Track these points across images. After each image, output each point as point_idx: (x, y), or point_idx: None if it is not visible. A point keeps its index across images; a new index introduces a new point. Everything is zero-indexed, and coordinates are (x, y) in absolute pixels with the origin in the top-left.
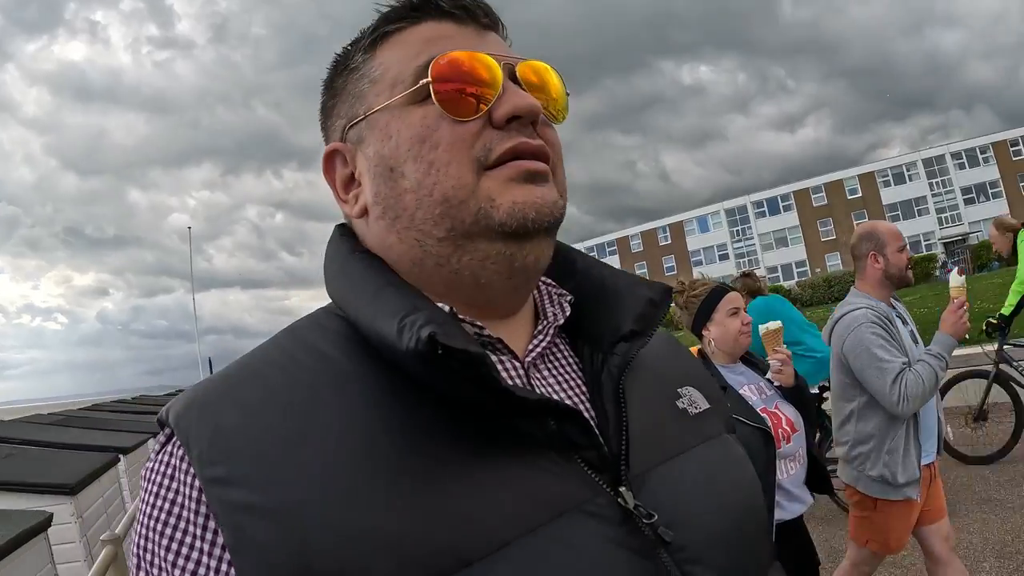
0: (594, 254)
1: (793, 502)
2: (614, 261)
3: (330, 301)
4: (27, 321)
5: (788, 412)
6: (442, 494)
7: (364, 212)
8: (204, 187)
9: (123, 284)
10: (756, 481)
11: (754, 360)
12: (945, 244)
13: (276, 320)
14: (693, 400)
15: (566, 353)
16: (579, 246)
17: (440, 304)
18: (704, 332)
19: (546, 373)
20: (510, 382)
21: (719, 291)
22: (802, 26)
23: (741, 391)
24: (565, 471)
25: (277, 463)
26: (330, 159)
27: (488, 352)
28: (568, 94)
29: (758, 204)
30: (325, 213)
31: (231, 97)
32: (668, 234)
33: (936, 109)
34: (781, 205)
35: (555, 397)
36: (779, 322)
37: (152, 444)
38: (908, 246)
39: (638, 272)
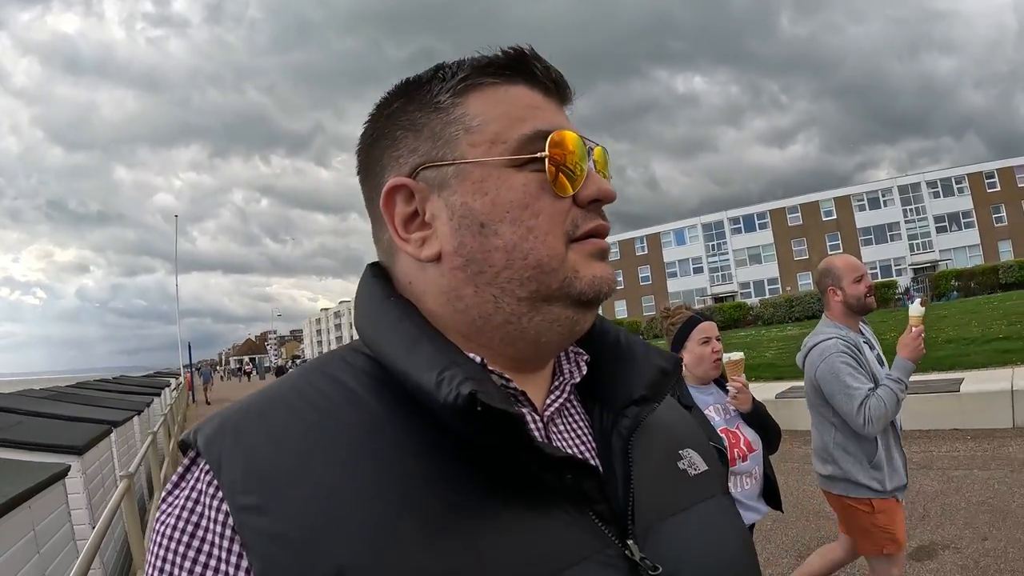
0: None
1: (747, 511)
2: None
3: (355, 339)
4: (6, 295)
5: (747, 434)
6: (473, 539)
7: (435, 258)
8: (191, 168)
9: (104, 262)
10: (750, 540)
11: (723, 384)
12: (915, 270)
13: (256, 306)
14: (693, 462)
15: (578, 410)
16: None
17: (471, 355)
18: (680, 354)
19: (562, 427)
20: (535, 435)
21: (693, 321)
22: (799, 42)
23: (706, 411)
24: (578, 522)
25: (312, 497)
26: (393, 194)
27: (520, 410)
28: (610, 177)
29: (735, 220)
30: (310, 201)
31: (223, 79)
32: (645, 244)
33: (926, 134)
34: (757, 223)
35: (570, 452)
36: (741, 354)
37: (180, 465)
38: (867, 275)
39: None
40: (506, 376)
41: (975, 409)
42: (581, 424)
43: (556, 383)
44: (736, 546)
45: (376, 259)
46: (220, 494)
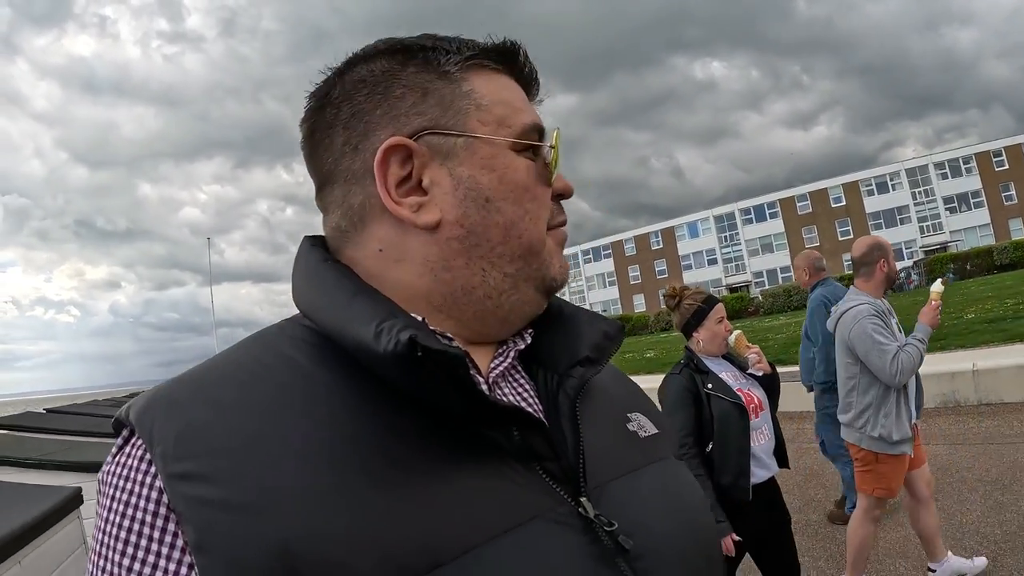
0: (589, 257)
1: (763, 468)
2: (608, 264)
3: (297, 312)
4: (40, 313)
5: (758, 394)
6: (416, 496)
7: (433, 225)
8: (214, 181)
9: (134, 277)
10: (706, 504)
11: (732, 359)
12: (925, 252)
13: (286, 313)
14: (642, 424)
15: (523, 375)
16: (581, 247)
17: (414, 314)
18: (694, 334)
19: (507, 390)
20: (479, 381)
21: (712, 301)
22: (816, 23)
23: (721, 375)
24: (529, 480)
25: (252, 460)
26: (390, 152)
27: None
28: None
29: (745, 211)
30: None
31: (241, 91)
32: (660, 239)
33: (952, 108)
34: (767, 212)
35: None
36: (739, 331)
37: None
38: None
39: (631, 275)
40: (448, 336)
41: None
42: (526, 387)
43: (501, 350)
44: (692, 507)
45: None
46: (152, 468)
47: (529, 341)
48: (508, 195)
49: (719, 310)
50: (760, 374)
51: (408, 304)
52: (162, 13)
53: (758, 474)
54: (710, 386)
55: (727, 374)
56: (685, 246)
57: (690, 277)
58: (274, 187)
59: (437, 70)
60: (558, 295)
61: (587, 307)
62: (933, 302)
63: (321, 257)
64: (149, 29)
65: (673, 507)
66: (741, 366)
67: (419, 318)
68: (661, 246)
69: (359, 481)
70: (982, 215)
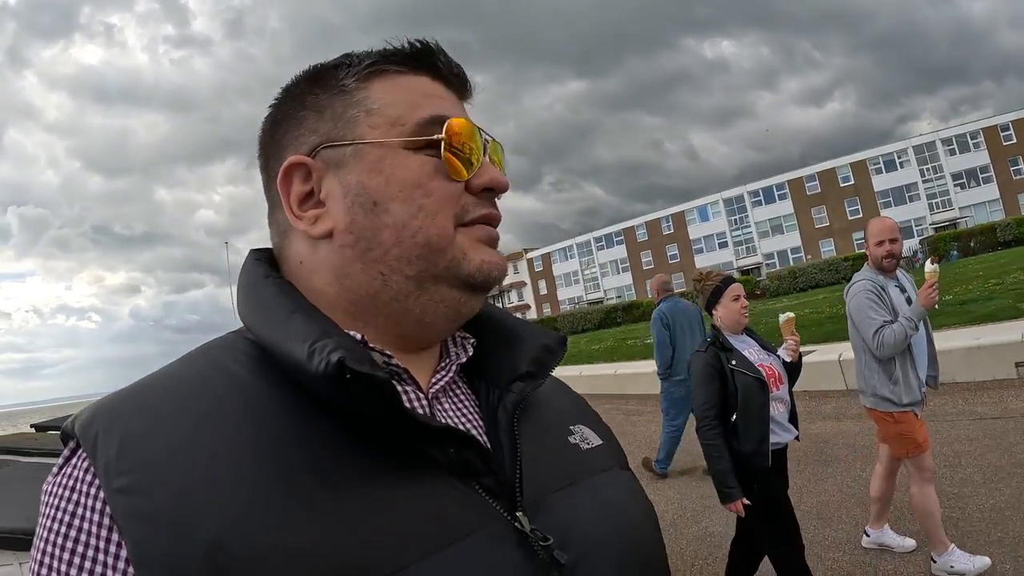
0: (602, 244)
1: (784, 432)
2: (621, 251)
3: (241, 325)
4: (62, 321)
5: (778, 367)
6: (349, 512)
7: (326, 235)
8: (228, 182)
9: (154, 281)
10: (651, 513)
11: (754, 334)
12: (935, 229)
13: None
14: (585, 437)
15: (464, 390)
16: (593, 235)
17: (351, 332)
18: (713, 311)
19: (447, 406)
20: (406, 402)
21: (727, 281)
22: None
23: (744, 352)
24: (464, 496)
25: (183, 473)
26: (290, 172)
27: (393, 379)
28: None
29: (754, 193)
30: None
31: (250, 90)
32: (671, 223)
33: (966, 80)
34: (776, 194)
35: (455, 427)
36: (792, 314)
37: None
38: (887, 241)
39: (643, 261)
40: (387, 353)
41: None
42: (467, 402)
43: (443, 363)
44: (635, 517)
45: (259, 246)
46: (96, 481)
47: (471, 352)
48: (397, 195)
49: (735, 289)
50: (789, 359)
51: (331, 313)
52: (167, 18)
53: (780, 436)
54: (734, 363)
55: (750, 350)
56: (696, 230)
57: (701, 261)
58: None
59: (336, 87)
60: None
61: (601, 293)
62: (928, 282)
63: (263, 273)
64: (156, 35)
65: (613, 519)
66: (764, 344)
67: (357, 335)
68: (672, 231)
69: (288, 497)
70: (991, 190)
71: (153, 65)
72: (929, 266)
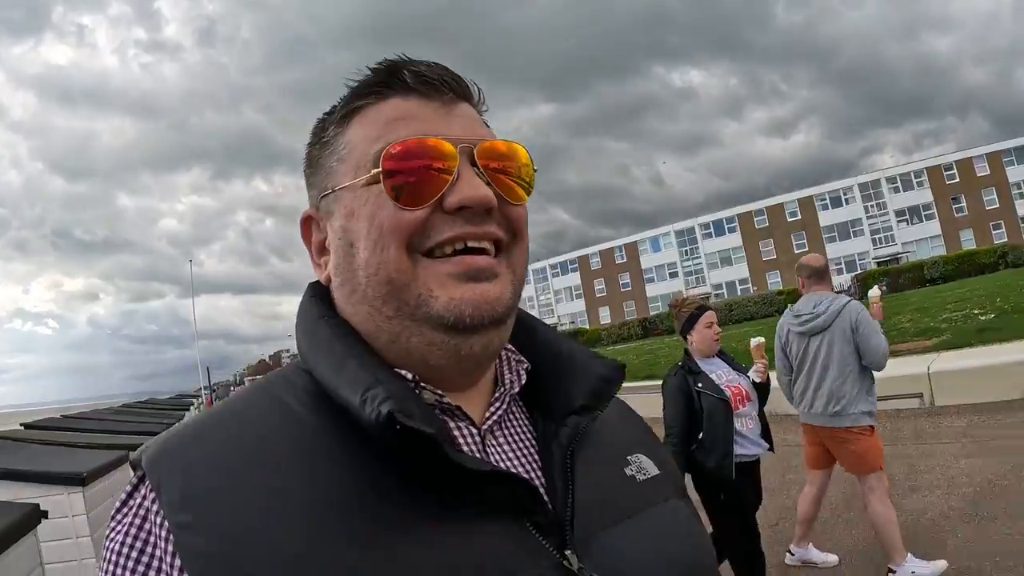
0: (557, 271)
1: (751, 446)
2: (575, 278)
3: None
4: (18, 326)
5: (745, 386)
6: (401, 554)
7: (328, 281)
8: (193, 191)
9: (113, 289)
10: (706, 542)
11: (726, 356)
12: (878, 263)
13: (268, 325)
14: (642, 467)
15: (522, 420)
16: (549, 262)
17: (404, 372)
18: (688, 336)
19: (501, 440)
20: (466, 448)
21: (702, 308)
22: (795, 30)
23: (712, 375)
24: (515, 535)
25: (240, 514)
26: (307, 225)
27: (443, 426)
28: (535, 169)
29: (705, 226)
30: None
31: (219, 100)
32: (624, 253)
33: (930, 115)
34: (726, 227)
35: (508, 463)
36: (762, 338)
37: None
38: None
39: (596, 289)
40: (438, 392)
41: None
42: (524, 435)
43: (497, 394)
44: (689, 549)
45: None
46: (162, 513)
47: (524, 380)
48: (363, 234)
49: (709, 316)
50: (759, 380)
51: (384, 353)
52: (140, 22)
53: (748, 449)
54: (700, 385)
55: (719, 372)
56: (648, 260)
57: (652, 290)
58: (253, 197)
59: (323, 140)
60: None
61: (556, 319)
62: (875, 304)
63: (318, 314)
64: (127, 38)
65: (666, 554)
66: (735, 365)
67: (408, 375)
68: (625, 260)
69: (340, 538)
70: (933, 227)
71: (122, 68)
72: (874, 291)
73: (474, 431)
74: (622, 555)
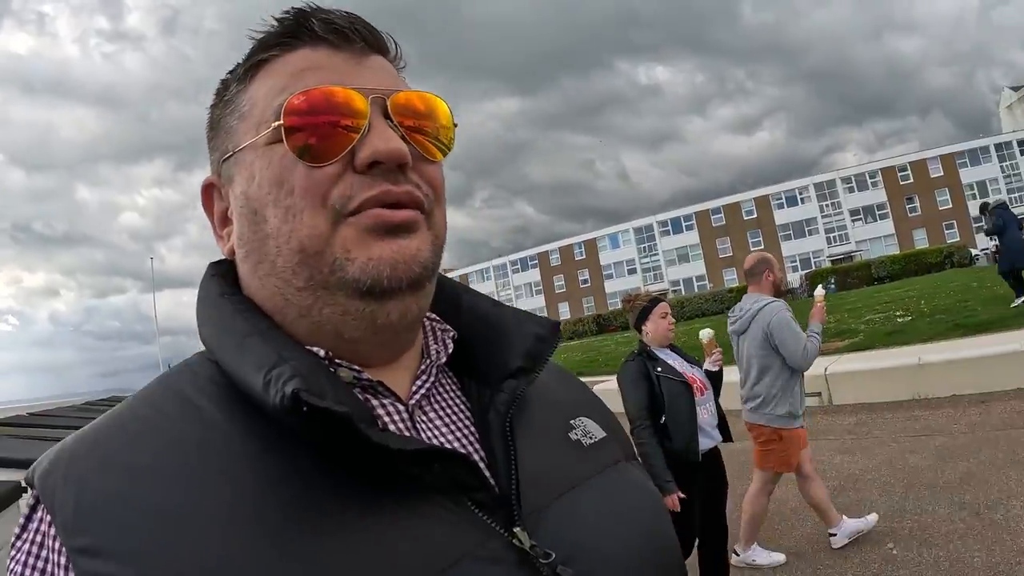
0: (517, 267)
1: (707, 438)
2: (535, 274)
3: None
4: None
5: (700, 377)
6: (330, 551)
7: (232, 254)
8: (155, 184)
9: (74, 284)
10: (660, 506)
11: (679, 350)
12: (832, 261)
13: None
14: (588, 430)
15: (453, 392)
16: (509, 258)
17: (315, 348)
18: (643, 327)
19: (432, 415)
20: (393, 427)
21: (655, 300)
22: (763, 29)
23: (670, 361)
24: (456, 515)
25: (143, 530)
26: (207, 193)
27: (363, 405)
28: (456, 125)
29: (663, 223)
30: None
31: (183, 92)
32: (583, 249)
33: (893, 114)
34: (684, 224)
35: (441, 439)
36: (711, 330)
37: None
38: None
39: (555, 285)
40: (356, 368)
41: None
42: (457, 407)
43: (423, 366)
44: (644, 517)
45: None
46: (59, 537)
47: (451, 349)
48: (268, 199)
49: (662, 307)
50: (715, 369)
51: (292, 329)
52: (102, 11)
53: (703, 442)
54: (659, 369)
55: (674, 361)
56: (607, 256)
57: (611, 286)
58: None
59: (224, 100)
60: (482, 293)
61: None
62: (818, 303)
63: (219, 291)
64: (88, 27)
65: (621, 519)
66: (687, 358)
67: (320, 352)
68: (584, 257)
69: (258, 544)
70: (887, 226)
71: (84, 58)
72: (819, 290)
73: (400, 408)
74: (575, 526)
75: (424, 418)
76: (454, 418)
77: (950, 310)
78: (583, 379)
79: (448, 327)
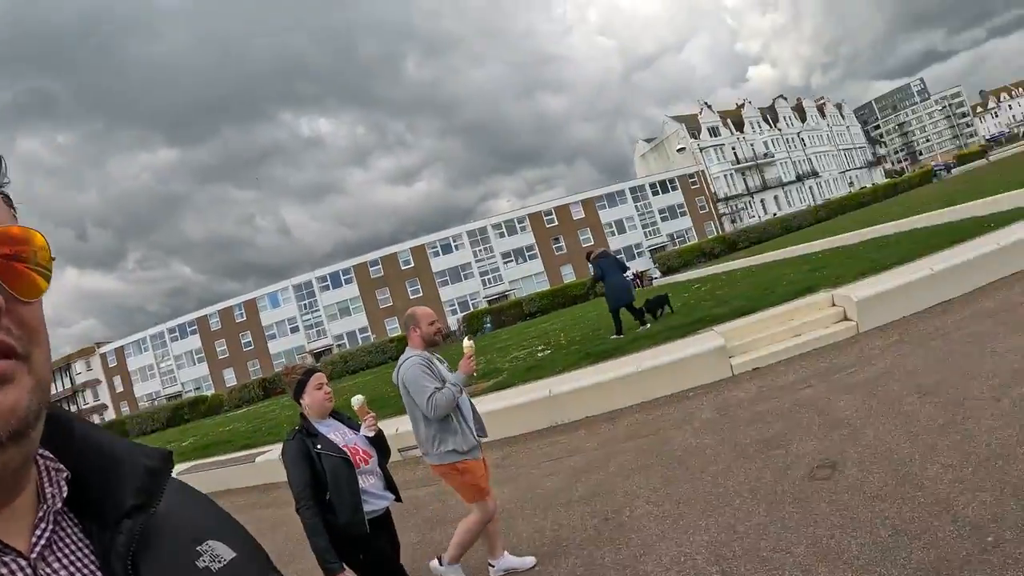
0: (176, 335)
1: (378, 500)
2: (195, 341)
3: None
4: None
5: (363, 445)
6: None
7: None
8: None
9: None
10: None
11: (341, 416)
12: (489, 301)
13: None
14: (216, 554)
15: (75, 536)
16: (167, 325)
17: None
18: (301, 400)
19: (56, 565)
20: None
21: (310, 372)
22: (423, 85)
23: (330, 436)
24: None
25: None
26: None
27: None
28: (53, 259)
29: (322, 279)
30: None
31: None
32: (243, 311)
33: (543, 163)
34: (343, 278)
35: None
36: (363, 397)
37: None
38: (438, 320)
39: (218, 351)
40: None
41: None
42: (81, 551)
43: (41, 513)
44: None
45: None
46: None
47: (67, 491)
48: None
49: (318, 378)
50: (371, 434)
51: None
52: None
53: (375, 504)
54: (319, 447)
55: (336, 434)
56: (268, 316)
57: (275, 347)
58: None
59: None
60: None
61: (179, 387)
62: (467, 355)
63: None
64: None
65: None
66: (350, 424)
67: None
68: (245, 318)
69: None
70: (536, 265)
71: None
72: (467, 342)
73: (23, 563)
74: None
75: (48, 570)
76: (79, 565)
77: (584, 340)
78: (249, 451)
79: (61, 467)
